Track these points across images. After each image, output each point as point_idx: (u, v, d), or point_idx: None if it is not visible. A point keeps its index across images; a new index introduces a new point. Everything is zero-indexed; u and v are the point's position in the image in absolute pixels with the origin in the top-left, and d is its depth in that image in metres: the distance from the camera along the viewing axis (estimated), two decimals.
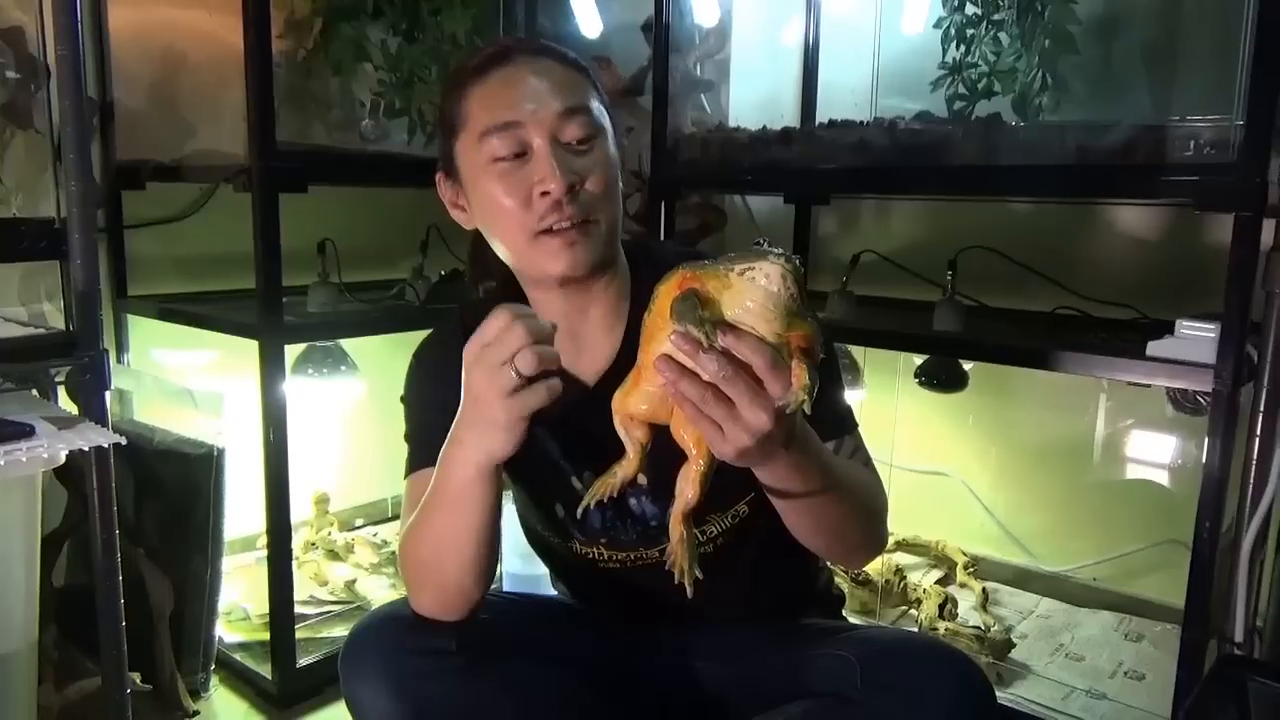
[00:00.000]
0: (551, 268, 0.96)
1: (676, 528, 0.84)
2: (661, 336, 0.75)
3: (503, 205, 0.95)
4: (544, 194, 0.93)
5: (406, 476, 1.04)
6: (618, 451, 0.83)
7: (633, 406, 0.81)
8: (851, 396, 1.12)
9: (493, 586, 0.97)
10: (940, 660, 0.91)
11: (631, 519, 1.03)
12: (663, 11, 1.79)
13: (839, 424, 1.00)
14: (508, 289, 1.06)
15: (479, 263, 1.10)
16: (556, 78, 0.96)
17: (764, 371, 0.71)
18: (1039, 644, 1.78)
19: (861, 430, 1.04)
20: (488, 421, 0.81)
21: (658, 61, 1.82)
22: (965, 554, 2.05)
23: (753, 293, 0.71)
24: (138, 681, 1.51)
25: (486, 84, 0.97)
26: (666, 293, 0.76)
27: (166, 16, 1.86)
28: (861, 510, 0.94)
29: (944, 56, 1.62)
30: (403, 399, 1.09)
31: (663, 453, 0.82)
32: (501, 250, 1.00)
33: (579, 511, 0.89)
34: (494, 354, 0.79)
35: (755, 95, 2.21)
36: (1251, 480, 1.33)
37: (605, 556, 1.07)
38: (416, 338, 1.11)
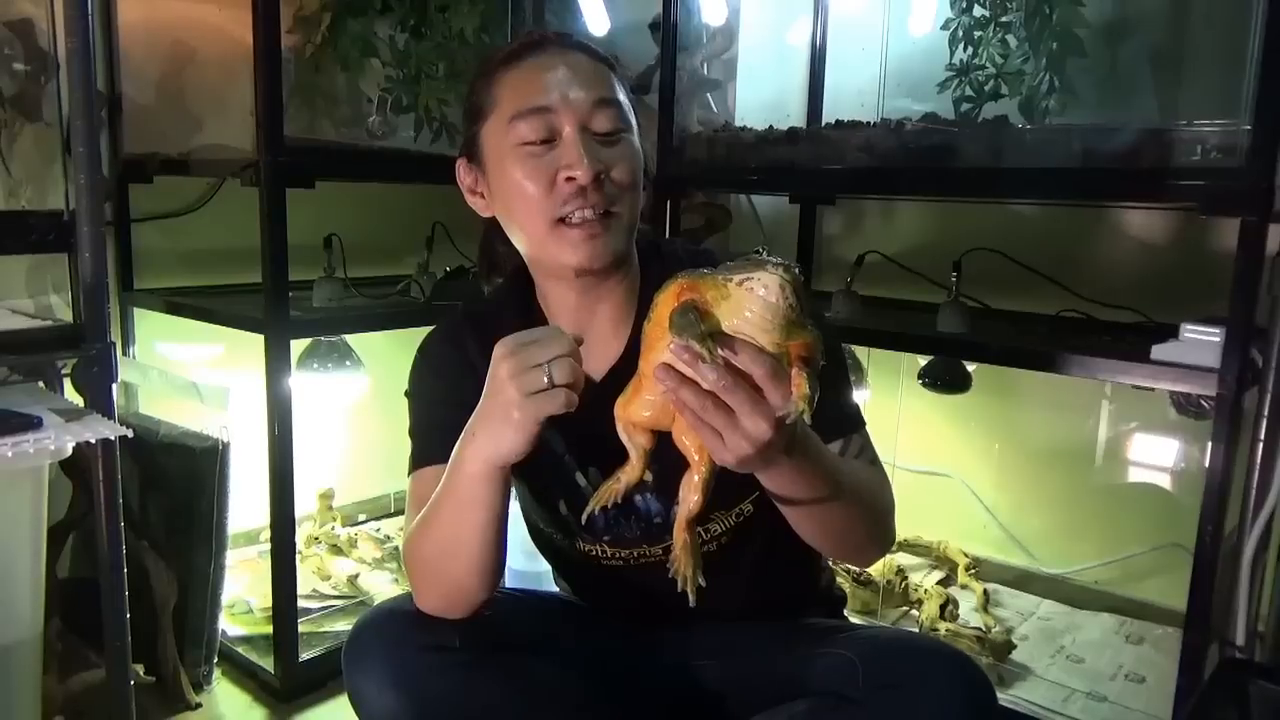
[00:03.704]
0: (569, 258, 0.96)
1: (680, 534, 0.84)
2: (661, 346, 0.75)
3: (525, 190, 0.95)
4: (569, 179, 0.93)
5: (410, 473, 1.04)
6: (623, 448, 0.84)
7: (635, 414, 0.81)
8: (856, 397, 1.12)
9: None
10: (942, 660, 0.91)
11: (635, 516, 1.04)
12: (670, 10, 1.79)
13: (846, 423, 1.01)
14: (516, 283, 1.07)
15: (488, 256, 1.10)
16: (589, 70, 0.97)
17: (764, 381, 0.71)
18: (1040, 646, 1.78)
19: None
20: (503, 419, 0.82)
21: (665, 60, 1.83)
22: (967, 555, 2.05)
23: (751, 303, 0.71)
24: (141, 673, 1.52)
25: (519, 70, 0.98)
26: (665, 301, 0.76)
27: (176, 10, 1.87)
28: (867, 511, 0.94)
29: (951, 58, 1.62)
30: (407, 394, 1.09)
31: (667, 449, 0.82)
32: (519, 238, 1.00)
33: (583, 517, 0.90)
34: (533, 353, 0.81)
35: (762, 95, 2.21)
36: (1254, 485, 1.33)
37: (608, 554, 1.07)
38: (421, 333, 1.12)
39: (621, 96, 0.98)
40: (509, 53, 1.00)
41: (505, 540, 0.92)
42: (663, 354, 0.74)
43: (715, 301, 0.73)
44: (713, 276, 0.74)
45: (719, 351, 0.71)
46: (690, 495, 0.82)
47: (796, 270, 0.71)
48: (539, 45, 0.99)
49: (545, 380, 0.80)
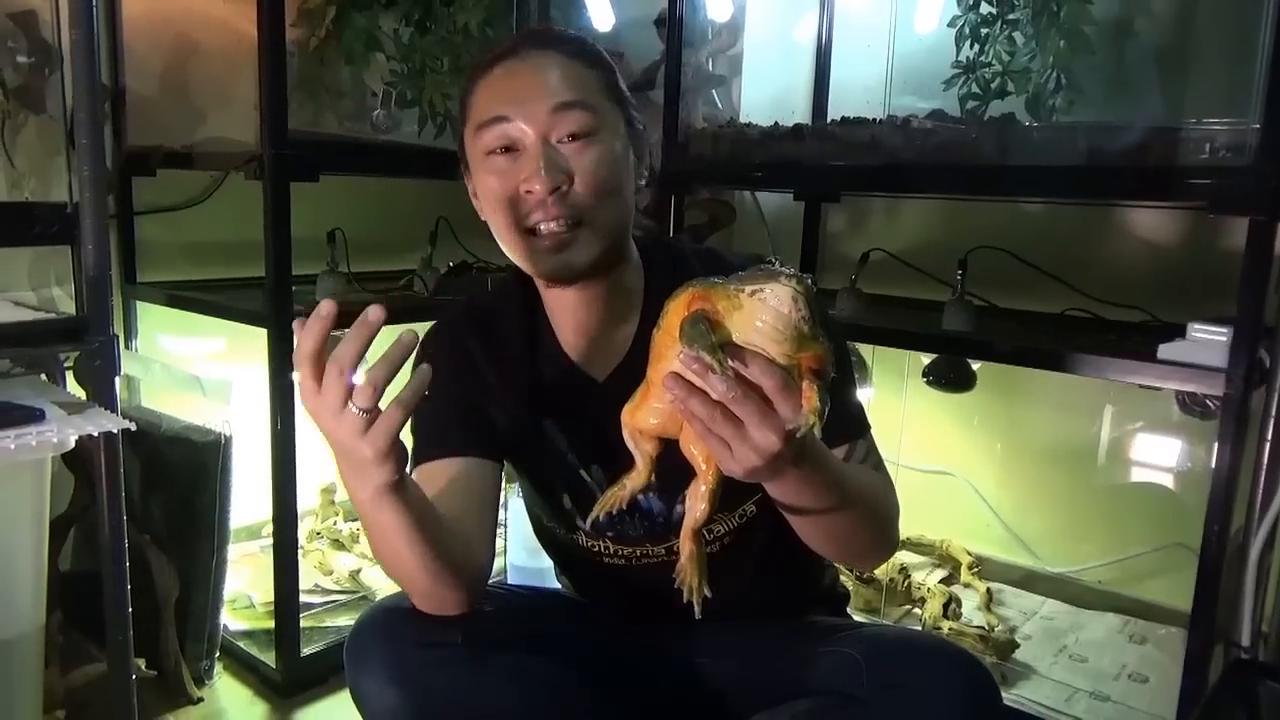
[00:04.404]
0: (539, 267, 0.97)
1: (687, 545, 0.84)
2: (670, 355, 0.74)
3: (495, 199, 0.96)
4: (529, 192, 0.93)
5: (411, 469, 1.04)
6: (626, 446, 0.83)
7: (642, 421, 0.81)
8: (859, 395, 1.12)
9: (497, 579, 0.97)
10: (946, 659, 0.91)
11: (638, 514, 1.03)
12: (676, 6, 1.79)
13: (852, 426, 1.00)
14: (520, 279, 1.07)
15: None
16: (558, 72, 0.95)
17: (774, 393, 0.71)
18: (1043, 645, 1.78)
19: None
20: (360, 462, 0.76)
21: (670, 56, 1.82)
22: (970, 554, 2.04)
23: (763, 314, 0.70)
24: (142, 668, 1.52)
25: (489, 76, 0.97)
26: (675, 310, 0.75)
27: (179, 3, 1.86)
28: (872, 517, 0.94)
29: (958, 55, 1.62)
30: None
31: (671, 449, 0.82)
32: (500, 244, 1.00)
33: (589, 522, 0.89)
34: (328, 404, 0.73)
35: (767, 91, 2.21)
36: (1260, 485, 1.33)
37: (611, 551, 1.06)
38: (424, 329, 1.11)
39: (596, 97, 0.96)
40: (489, 58, 0.99)
41: (450, 540, 0.89)
42: (672, 363, 0.73)
43: (727, 312, 0.72)
44: (724, 286, 0.73)
45: (729, 363, 0.70)
46: (697, 505, 0.81)
47: (810, 281, 0.70)
48: (515, 50, 0.98)
49: (358, 415, 0.73)
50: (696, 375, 0.71)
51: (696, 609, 0.84)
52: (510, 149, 0.95)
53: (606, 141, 0.96)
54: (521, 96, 0.94)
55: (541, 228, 0.94)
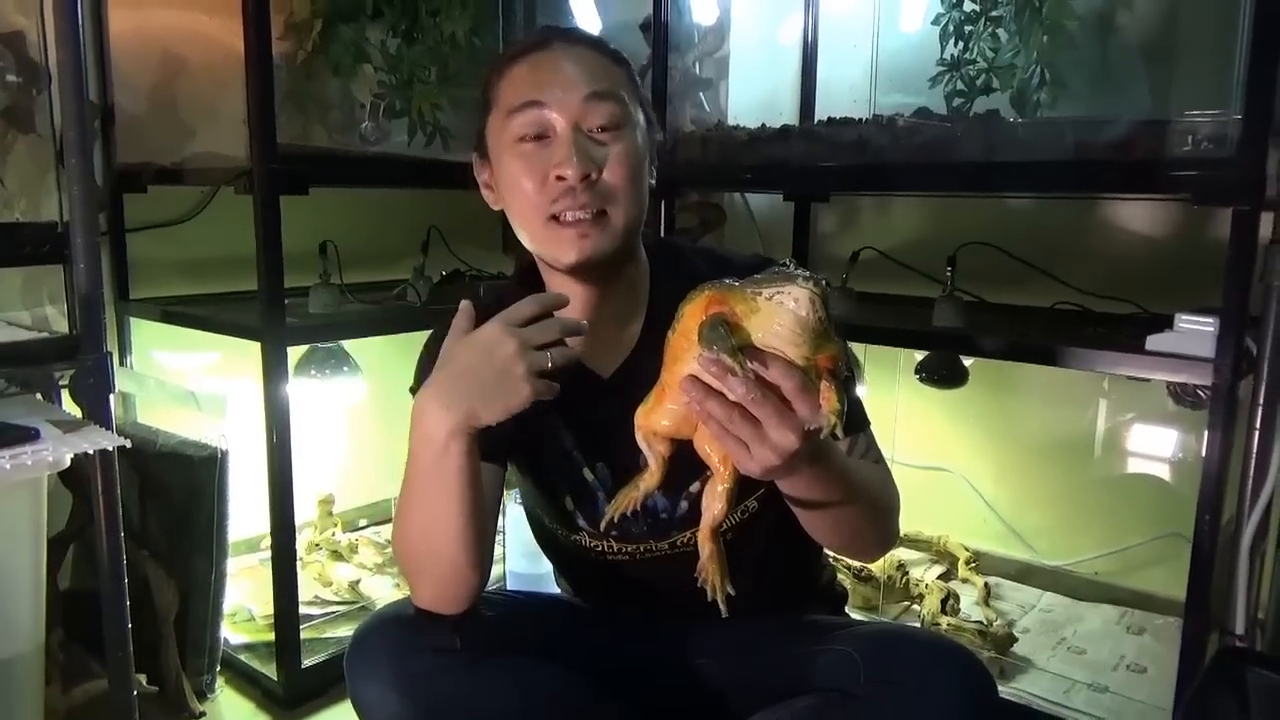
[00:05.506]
0: (563, 256, 0.97)
1: (706, 544, 0.85)
2: (687, 357, 0.75)
3: (521, 185, 0.96)
4: (559, 178, 0.94)
5: None
6: (630, 443, 0.84)
7: (655, 423, 0.81)
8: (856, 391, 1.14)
9: (496, 585, 0.97)
10: (943, 655, 0.91)
11: (642, 510, 1.04)
12: (661, 10, 1.79)
13: (853, 421, 1.01)
14: (526, 278, 1.07)
15: (516, 249, 1.12)
16: (588, 65, 0.97)
17: (793, 394, 0.72)
18: (1041, 638, 1.79)
19: None
20: (498, 389, 0.80)
21: (656, 60, 1.83)
22: (967, 549, 2.05)
23: (781, 316, 0.71)
24: (144, 683, 1.52)
25: (520, 66, 0.99)
26: (692, 313, 0.76)
27: (167, 20, 1.86)
28: (875, 509, 0.95)
29: (942, 53, 1.63)
30: (412, 390, 1.09)
31: (680, 447, 0.83)
32: (520, 232, 1.01)
33: (602, 525, 0.90)
34: (536, 334, 0.80)
35: (754, 93, 2.22)
36: (1251, 473, 1.34)
37: (614, 549, 1.07)
38: (418, 338, 1.12)
39: (623, 91, 0.98)
40: (517, 49, 1.01)
41: (488, 519, 0.90)
42: (689, 365, 0.74)
43: (744, 314, 0.73)
44: (740, 290, 0.74)
45: (749, 365, 0.71)
46: (714, 504, 0.82)
47: (825, 283, 0.72)
48: (544, 42, 1.00)
49: (549, 365, 0.79)
50: (715, 377, 0.72)
51: (723, 609, 0.85)
52: (541, 135, 0.96)
53: (632, 136, 0.98)
54: (554, 84, 0.95)
55: (567, 215, 0.95)
